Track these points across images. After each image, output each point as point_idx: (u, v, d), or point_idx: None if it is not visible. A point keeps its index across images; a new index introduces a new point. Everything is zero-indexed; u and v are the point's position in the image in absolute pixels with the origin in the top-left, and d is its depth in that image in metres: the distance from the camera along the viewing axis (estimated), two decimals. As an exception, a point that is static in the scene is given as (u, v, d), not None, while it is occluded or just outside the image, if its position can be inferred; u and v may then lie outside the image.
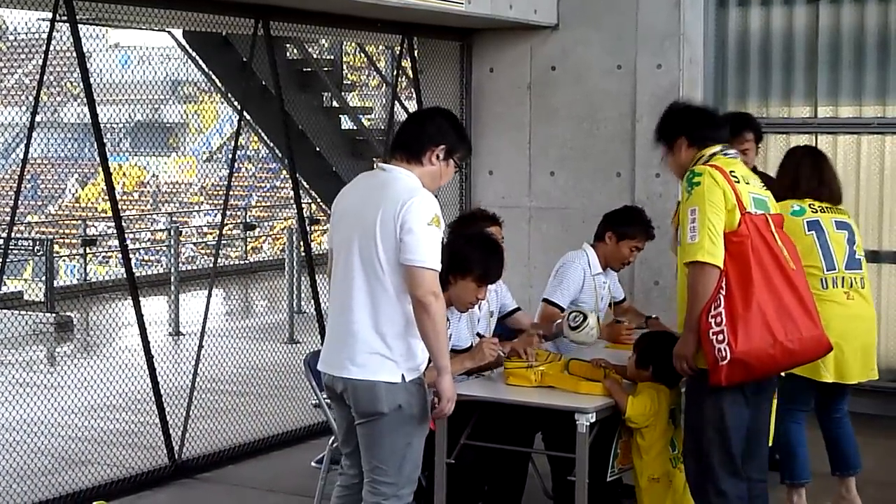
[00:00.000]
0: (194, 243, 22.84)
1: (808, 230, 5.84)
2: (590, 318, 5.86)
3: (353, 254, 4.51)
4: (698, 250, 4.75)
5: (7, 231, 6.68)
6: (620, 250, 6.47)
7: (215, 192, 29.57)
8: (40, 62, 6.74)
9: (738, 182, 4.87)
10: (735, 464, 4.93)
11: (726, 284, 4.75)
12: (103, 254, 20.42)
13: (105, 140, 6.98)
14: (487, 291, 5.70)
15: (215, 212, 27.18)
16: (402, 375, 4.50)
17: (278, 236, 23.82)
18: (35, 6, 6.98)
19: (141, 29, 8.87)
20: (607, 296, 6.71)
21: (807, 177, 6.03)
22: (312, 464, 6.68)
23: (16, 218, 6.85)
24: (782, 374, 5.36)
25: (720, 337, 4.72)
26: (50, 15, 6.79)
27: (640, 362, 5.28)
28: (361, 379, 4.50)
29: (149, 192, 31.17)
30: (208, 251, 22.60)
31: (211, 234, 24.19)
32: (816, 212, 5.94)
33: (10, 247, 13.53)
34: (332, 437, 5.71)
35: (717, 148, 5.01)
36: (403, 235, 4.39)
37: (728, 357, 4.71)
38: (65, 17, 6.83)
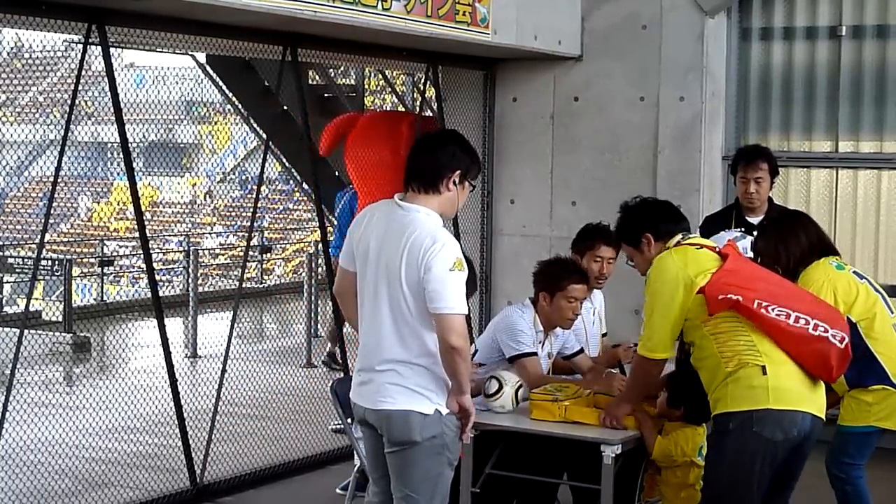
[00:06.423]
0: (207, 265, 22.87)
1: (860, 279, 5.64)
2: (505, 387, 5.44)
3: (382, 298, 4.57)
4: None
5: (37, 252, 6.71)
6: None
7: (227, 213, 29.64)
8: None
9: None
10: None
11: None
12: (114, 273, 20.43)
13: (117, 159, 7.04)
14: (554, 334, 5.85)
15: (228, 233, 27.23)
16: (437, 410, 4.55)
17: (290, 258, 23.85)
18: (66, 30, 7.03)
19: (167, 52, 8.93)
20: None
21: (816, 239, 5.76)
22: (338, 490, 6.72)
23: (30, 236, 6.88)
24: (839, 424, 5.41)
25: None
26: (75, 37, 6.84)
27: (671, 402, 5.27)
28: (396, 409, 4.55)
29: (165, 212, 31.21)
30: (220, 272, 22.63)
31: (223, 254, 24.19)
32: (847, 264, 5.81)
33: (30, 266, 13.65)
34: (357, 464, 5.74)
35: (679, 237, 5.08)
36: (427, 284, 4.45)
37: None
38: (96, 41, 6.89)
